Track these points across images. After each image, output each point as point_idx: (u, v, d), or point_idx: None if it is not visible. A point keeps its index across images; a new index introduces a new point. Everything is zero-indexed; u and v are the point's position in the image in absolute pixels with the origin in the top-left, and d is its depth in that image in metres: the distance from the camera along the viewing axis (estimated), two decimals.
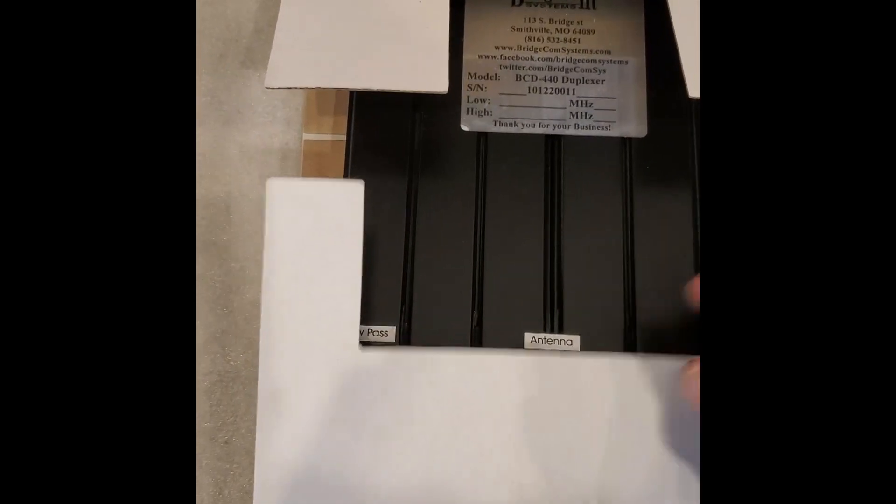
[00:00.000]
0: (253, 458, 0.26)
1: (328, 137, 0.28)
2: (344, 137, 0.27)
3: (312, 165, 0.28)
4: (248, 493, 0.26)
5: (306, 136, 0.28)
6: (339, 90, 0.29)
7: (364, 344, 0.23)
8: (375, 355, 0.22)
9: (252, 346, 0.27)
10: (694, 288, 0.21)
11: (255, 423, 0.26)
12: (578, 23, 0.27)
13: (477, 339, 0.24)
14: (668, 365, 0.23)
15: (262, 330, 0.22)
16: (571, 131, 0.26)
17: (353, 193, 0.23)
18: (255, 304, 0.27)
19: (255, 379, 0.27)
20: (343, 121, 0.28)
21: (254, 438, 0.26)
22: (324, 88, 0.26)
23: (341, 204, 0.23)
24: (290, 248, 0.23)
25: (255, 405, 0.26)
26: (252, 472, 0.26)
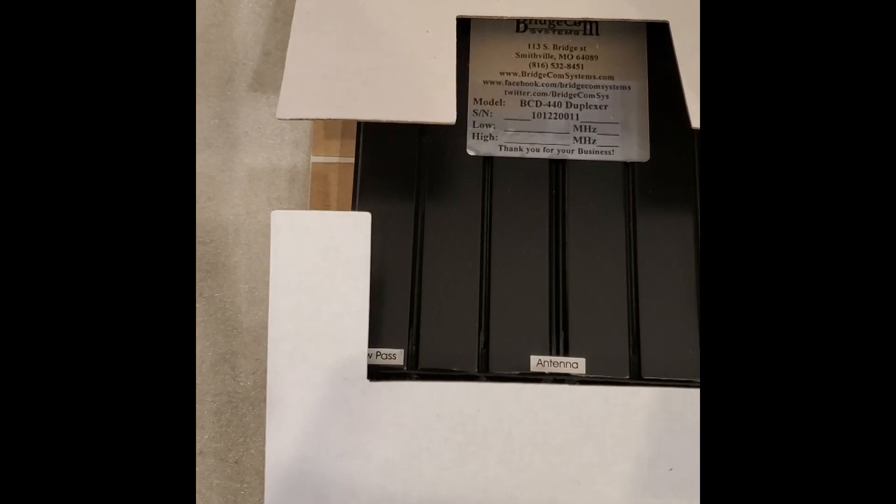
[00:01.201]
0: (262, 478, 0.27)
1: (335, 160, 0.29)
2: (351, 160, 0.28)
3: (320, 187, 0.29)
4: None
5: (314, 159, 0.29)
6: None
7: (371, 368, 0.24)
8: (382, 387, 0.23)
9: (261, 367, 0.27)
10: None
11: (264, 444, 0.27)
12: (582, 49, 0.28)
13: (483, 362, 0.25)
14: (675, 395, 0.23)
15: (269, 362, 0.23)
16: (575, 156, 0.27)
17: (359, 225, 0.23)
18: (265, 325, 0.28)
19: (265, 399, 0.27)
20: (350, 143, 0.28)
21: (263, 458, 0.27)
22: (334, 119, 0.26)
23: (347, 236, 0.23)
24: (296, 280, 0.23)
25: (264, 426, 0.27)
26: (262, 492, 0.26)
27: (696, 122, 0.23)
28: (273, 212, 0.23)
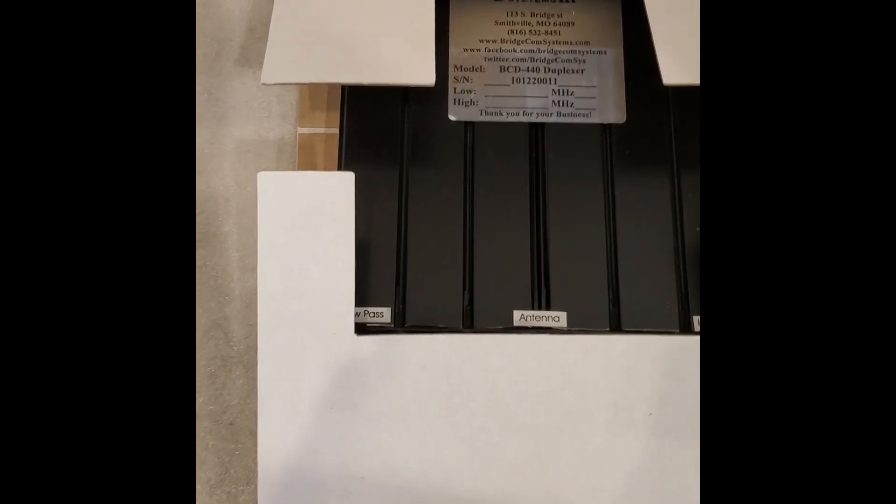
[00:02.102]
0: (256, 438, 0.27)
1: (321, 131, 0.30)
2: (336, 130, 0.28)
3: (307, 158, 0.29)
4: (252, 471, 0.27)
5: (301, 130, 0.30)
6: (331, 86, 0.30)
7: (359, 326, 0.25)
8: (369, 341, 0.24)
9: (253, 332, 0.28)
10: None
11: (257, 406, 0.28)
12: (558, 16, 0.29)
13: (469, 318, 0.26)
14: (652, 342, 0.24)
15: (259, 320, 0.23)
16: (554, 119, 0.27)
17: (343, 184, 0.24)
18: (256, 292, 0.28)
19: (256, 363, 0.28)
20: (335, 115, 0.29)
21: (257, 420, 0.28)
22: (317, 84, 0.27)
23: (332, 195, 0.24)
24: (284, 240, 0.24)
25: (256, 389, 0.28)
26: (256, 452, 0.27)
27: (668, 78, 0.24)
28: (259, 173, 0.24)
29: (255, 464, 0.27)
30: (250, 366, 0.28)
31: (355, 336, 0.23)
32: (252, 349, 0.28)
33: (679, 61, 0.24)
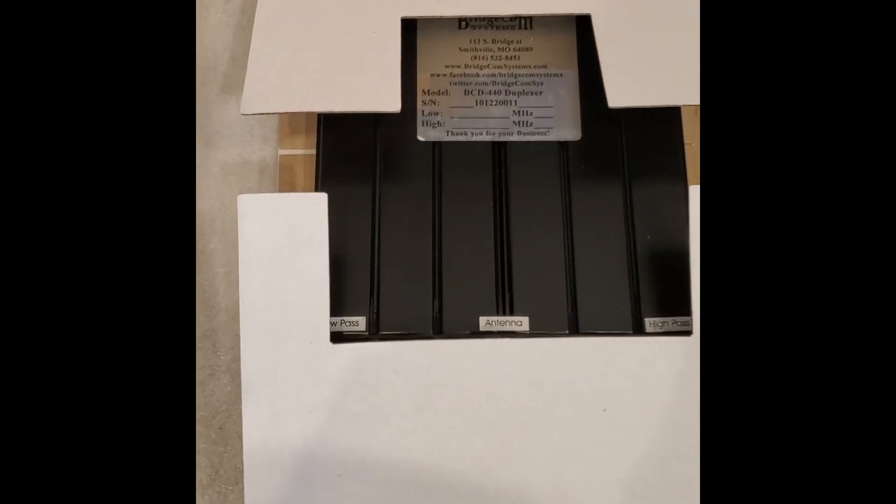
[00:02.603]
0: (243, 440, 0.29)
1: (300, 152, 0.32)
2: (314, 152, 0.31)
3: (287, 177, 0.31)
4: (241, 472, 0.29)
5: (281, 152, 0.32)
6: (308, 112, 0.32)
7: (336, 335, 0.27)
8: (344, 349, 0.26)
9: (238, 343, 0.30)
10: None
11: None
12: (518, 42, 0.31)
13: (438, 324, 0.28)
14: (607, 343, 0.26)
15: (241, 332, 0.25)
16: (515, 137, 0.30)
17: (317, 204, 0.26)
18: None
19: None
20: (312, 138, 0.31)
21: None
22: (292, 113, 0.29)
23: (308, 215, 0.26)
24: (262, 256, 0.26)
25: None
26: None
27: (613, 101, 0.26)
28: (239, 196, 0.25)
29: (243, 465, 0.29)
30: (237, 373, 0.30)
31: (331, 344, 0.25)
32: (237, 359, 0.30)
33: (624, 85, 0.26)
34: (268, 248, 0.25)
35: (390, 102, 0.26)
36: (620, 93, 0.26)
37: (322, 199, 0.26)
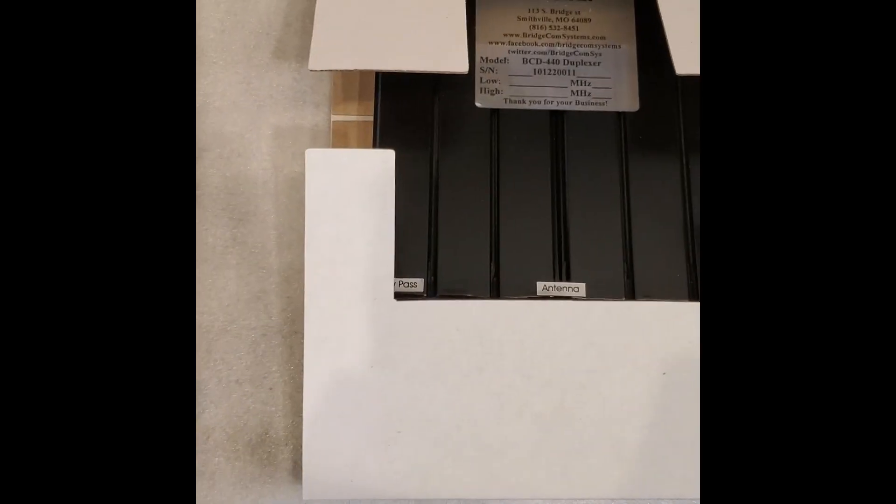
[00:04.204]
0: (295, 403, 0.29)
1: (354, 118, 0.32)
2: (368, 118, 0.31)
3: (340, 143, 0.32)
4: (290, 432, 0.29)
5: (334, 118, 0.32)
6: (362, 77, 0.32)
7: (396, 295, 0.27)
8: (408, 306, 0.26)
9: (290, 305, 0.30)
10: None
11: (296, 372, 0.30)
12: (576, 13, 0.31)
13: (495, 289, 0.28)
14: (665, 308, 0.26)
15: (306, 285, 0.26)
16: (572, 107, 0.30)
17: (385, 161, 0.26)
18: (292, 266, 0.30)
19: (294, 333, 0.30)
20: (366, 104, 0.31)
21: (295, 385, 0.30)
22: (358, 70, 0.29)
23: (375, 171, 0.26)
24: (329, 211, 0.26)
25: (294, 356, 0.30)
26: (294, 414, 0.29)
27: (680, 69, 0.26)
28: (308, 150, 0.26)
29: (294, 426, 0.29)
30: (288, 335, 0.30)
31: (395, 301, 0.25)
32: (289, 321, 0.30)
33: (690, 53, 0.27)
34: (334, 203, 0.26)
35: (458, 63, 0.26)
36: (687, 60, 0.26)
37: (390, 155, 0.26)
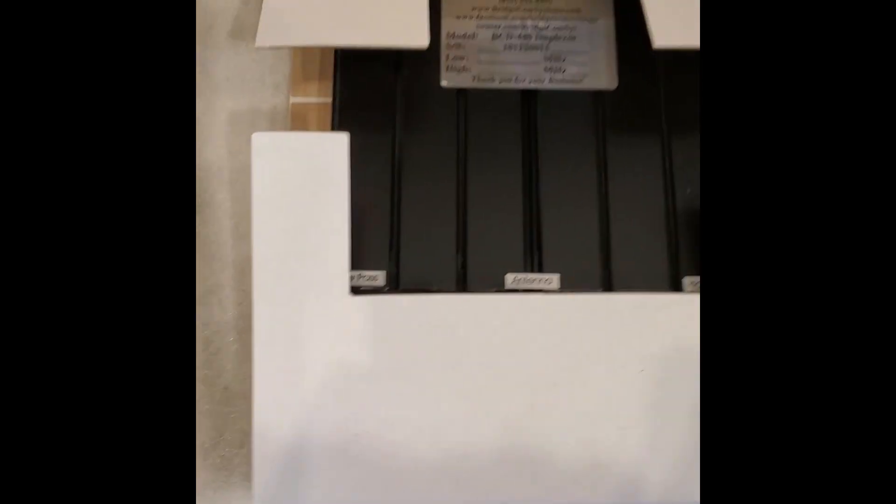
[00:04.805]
0: (250, 402, 0.27)
1: (314, 100, 0.30)
2: (328, 100, 0.29)
3: (299, 126, 0.29)
4: (246, 434, 0.27)
5: (293, 100, 0.30)
6: (323, 56, 0.30)
7: (354, 289, 0.25)
8: (365, 301, 0.24)
9: (247, 298, 0.28)
10: None
11: (251, 370, 0.28)
12: None
13: (462, 281, 0.26)
14: (644, 300, 0.24)
15: (254, 280, 0.24)
16: (546, 85, 0.28)
17: (338, 144, 0.24)
18: (249, 258, 0.28)
19: (250, 329, 0.28)
20: (327, 85, 0.29)
21: (250, 384, 0.28)
22: (310, 47, 0.27)
23: (327, 156, 0.24)
24: (278, 200, 0.24)
25: (251, 353, 0.28)
26: (250, 415, 0.27)
27: (659, 41, 0.24)
28: (254, 134, 0.24)
29: (249, 427, 0.27)
30: (244, 331, 0.28)
31: (350, 296, 0.24)
32: (245, 315, 0.28)
33: (670, 24, 0.25)
34: (284, 192, 0.24)
35: (417, 37, 0.24)
36: (666, 32, 0.24)
37: (343, 138, 0.24)
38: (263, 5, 0.25)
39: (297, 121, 0.30)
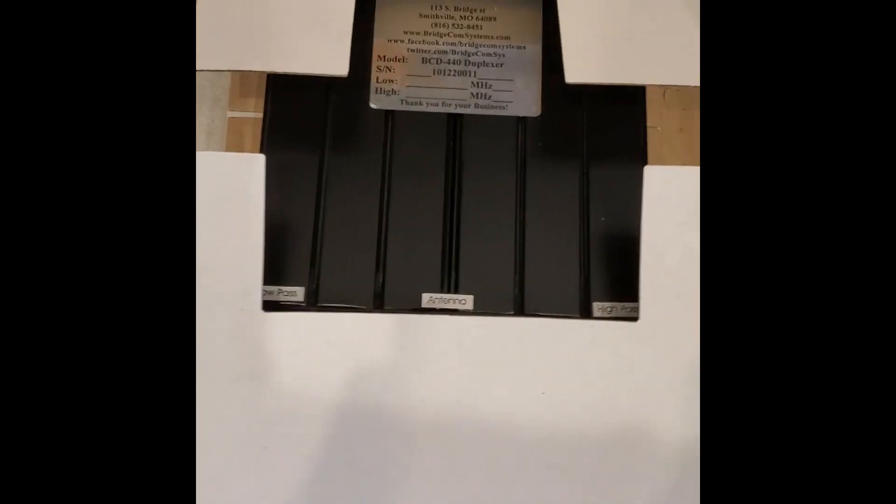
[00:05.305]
0: None
1: (251, 115, 0.30)
2: None
3: (236, 141, 0.30)
4: None
5: (230, 114, 0.30)
6: (260, 74, 0.31)
7: (273, 304, 0.26)
8: (277, 317, 0.24)
9: None
10: None
11: None
12: (481, 10, 0.30)
13: (379, 299, 0.27)
14: (551, 325, 0.25)
15: None
16: (472, 110, 0.28)
17: (254, 165, 0.25)
18: None
19: None
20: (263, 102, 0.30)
21: None
22: (243, 73, 0.28)
23: (243, 176, 0.25)
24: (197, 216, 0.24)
25: None
26: None
27: (571, 77, 0.25)
28: None
29: None
30: None
31: (263, 312, 0.24)
32: None
33: (584, 60, 0.25)
34: (200, 209, 0.24)
35: (338, 66, 0.25)
36: (579, 68, 0.25)
37: (259, 159, 0.24)
38: (198, 28, 0.26)
39: (234, 135, 0.31)
